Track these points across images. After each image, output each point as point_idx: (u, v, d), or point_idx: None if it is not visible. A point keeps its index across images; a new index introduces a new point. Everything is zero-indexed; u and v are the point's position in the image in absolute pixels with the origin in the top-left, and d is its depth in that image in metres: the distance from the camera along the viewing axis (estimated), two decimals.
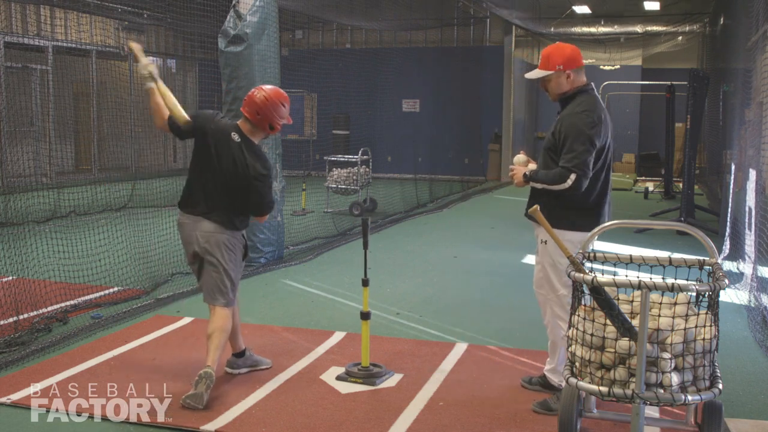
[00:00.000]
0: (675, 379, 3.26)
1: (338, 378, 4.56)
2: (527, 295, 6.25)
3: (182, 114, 4.34)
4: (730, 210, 8.58)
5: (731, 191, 8.69)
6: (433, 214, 12.58)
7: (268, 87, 4.45)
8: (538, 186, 4.00)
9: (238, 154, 4.34)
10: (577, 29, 18.37)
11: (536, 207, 3.66)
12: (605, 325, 3.37)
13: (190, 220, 4.37)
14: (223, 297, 4.35)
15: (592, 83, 4.15)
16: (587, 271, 3.45)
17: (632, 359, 3.28)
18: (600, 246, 8.43)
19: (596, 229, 3.84)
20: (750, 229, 6.90)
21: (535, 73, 4.12)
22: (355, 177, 11.70)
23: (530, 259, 6.76)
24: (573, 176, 3.84)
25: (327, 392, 4.37)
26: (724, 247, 8.28)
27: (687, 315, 3.34)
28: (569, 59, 4.02)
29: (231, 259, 4.40)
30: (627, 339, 3.30)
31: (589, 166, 3.86)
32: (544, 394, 4.29)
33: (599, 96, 4.13)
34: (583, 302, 3.51)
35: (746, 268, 6.94)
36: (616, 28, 18.12)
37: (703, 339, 3.29)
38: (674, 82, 14.37)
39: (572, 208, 3.97)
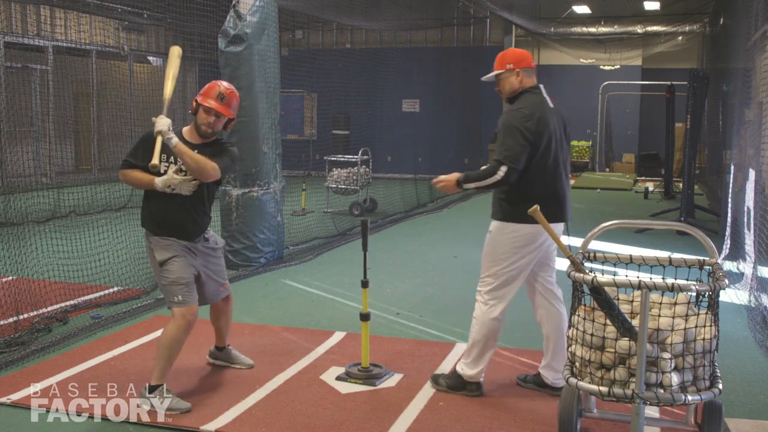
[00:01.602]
0: (675, 379, 3.26)
1: (338, 378, 4.56)
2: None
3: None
4: (730, 210, 8.58)
5: (731, 191, 8.69)
6: (433, 214, 12.58)
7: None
8: (472, 186, 4.16)
9: None
10: (577, 29, 18.36)
11: (536, 207, 3.67)
12: (605, 325, 3.37)
13: None
14: (167, 301, 4.28)
15: (542, 85, 4.28)
16: (587, 271, 3.45)
17: (632, 359, 3.28)
18: (600, 246, 8.43)
19: (596, 229, 3.84)
20: (749, 229, 6.90)
21: (489, 75, 4.33)
22: (355, 177, 11.70)
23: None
24: (504, 168, 3.99)
25: (327, 392, 4.37)
26: (724, 247, 8.28)
27: (687, 315, 3.35)
28: (518, 58, 4.25)
29: (152, 263, 4.32)
30: (627, 339, 3.30)
31: (518, 159, 4.00)
32: (541, 393, 4.32)
33: (548, 100, 4.23)
34: (583, 302, 3.52)
35: (746, 268, 6.94)
36: (616, 28, 18.11)
37: (703, 339, 3.29)
38: (674, 82, 14.36)
39: (519, 201, 4.08)
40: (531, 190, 4.07)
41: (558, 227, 4.19)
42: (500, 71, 4.24)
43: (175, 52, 4.40)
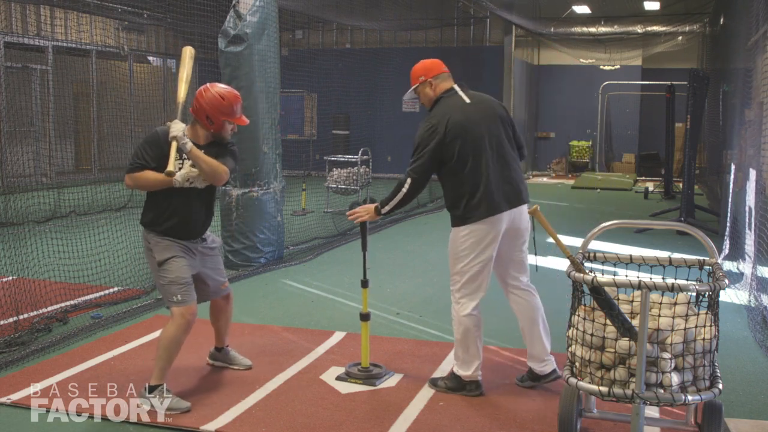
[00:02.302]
0: (675, 379, 3.26)
1: (338, 378, 4.56)
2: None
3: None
4: (730, 210, 8.58)
5: (731, 191, 8.69)
6: (433, 214, 12.59)
7: (217, 84, 4.35)
8: (389, 208, 4.31)
9: None
10: (577, 29, 18.36)
11: (536, 207, 3.68)
12: (605, 325, 3.37)
13: None
14: (165, 300, 4.28)
15: (456, 86, 4.38)
16: (587, 271, 3.45)
17: (632, 359, 3.28)
18: (600, 246, 8.43)
19: (596, 229, 3.84)
20: (750, 229, 6.90)
21: (407, 93, 4.50)
22: (355, 177, 11.70)
23: (530, 259, 6.75)
24: (409, 180, 4.21)
25: (327, 392, 4.37)
26: (724, 247, 8.28)
27: (687, 315, 3.34)
28: (427, 69, 4.42)
29: (150, 263, 4.32)
30: (627, 339, 3.30)
31: (422, 170, 4.19)
32: (545, 391, 4.34)
33: (464, 97, 4.30)
34: (583, 302, 3.52)
35: (746, 268, 6.94)
36: (616, 28, 18.11)
37: (703, 339, 3.29)
38: (674, 82, 14.36)
39: (454, 206, 4.23)
40: (462, 191, 4.18)
41: (519, 213, 4.22)
42: (415, 86, 4.40)
43: (188, 53, 4.41)
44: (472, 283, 4.22)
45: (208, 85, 4.28)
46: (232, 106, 4.22)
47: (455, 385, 4.36)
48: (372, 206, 4.38)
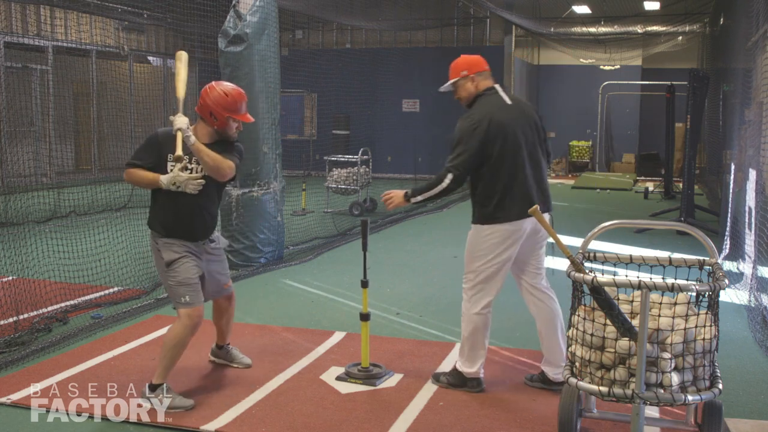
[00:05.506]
0: (675, 379, 3.26)
1: (338, 378, 4.56)
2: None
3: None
4: (730, 210, 8.58)
5: (731, 191, 8.69)
6: (433, 214, 12.58)
7: (222, 82, 4.40)
8: (419, 199, 4.27)
9: None
10: (577, 29, 18.36)
11: (536, 207, 3.68)
12: (605, 325, 3.37)
13: None
14: (173, 301, 4.29)
15: (497, 85, 4.36)
16: (587, 271, 3.45)
17: (632, 359, 3.28)
18: (600, 246, 8.43)
19: (596, 229, 3.84)
20: (750, 229, 6.90)
21: (446, 85, 4.41)
22: (355, 177, 11.70)
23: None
24: (450, 175, 4.12)
25: (327, 392, 4.37)
26: (724, 246, 8.28)
27: (687, 315, 3.34)
28: (471, 64, 4.36)
29: (158, 264, 4.33)
30: (627, 339, 3.30)
31: (464, 166, 4.12)
32: (545, 391, 4.35)
33: (505, 97, 4.28)
34: (583, 302, 3.52)
35: (746, 268, 6.94)
36: (616, 28, 18.11)
37: (703, 339, 3.29)
38: (674, 82, 14.36)
39: (483, 204, 4.20)
40: (494, 190, 4.15)
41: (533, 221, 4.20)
42: (456, 79, 4.33)
43: (183, 57, 4.43)
44: (487, 282, 4.23)
45: (213, 83, 4.32)
46: (236, 103, 4.26)
47: (458, 381, 4.38)
48: (401, 192, 4.31)
